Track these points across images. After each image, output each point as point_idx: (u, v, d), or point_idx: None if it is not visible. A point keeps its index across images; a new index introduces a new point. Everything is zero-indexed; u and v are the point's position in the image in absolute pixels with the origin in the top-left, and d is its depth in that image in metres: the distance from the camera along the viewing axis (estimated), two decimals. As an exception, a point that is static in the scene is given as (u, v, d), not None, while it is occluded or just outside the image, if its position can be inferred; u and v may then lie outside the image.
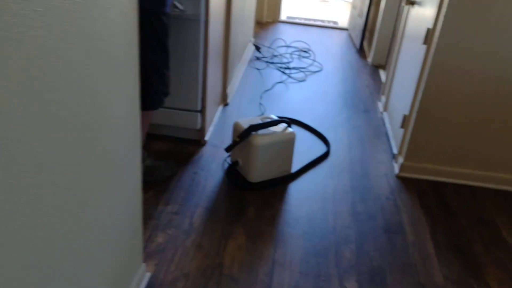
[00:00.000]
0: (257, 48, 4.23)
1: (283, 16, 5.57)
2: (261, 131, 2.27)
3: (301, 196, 2.30)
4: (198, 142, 2.65)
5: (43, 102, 0.83)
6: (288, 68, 3.97)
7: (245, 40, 3.84)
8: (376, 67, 4.24)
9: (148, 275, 1.72)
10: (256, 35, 4.73)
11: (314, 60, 4.20)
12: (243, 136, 2.23)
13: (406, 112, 2.51)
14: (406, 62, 2.79)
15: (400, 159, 2.54)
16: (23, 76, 0.76)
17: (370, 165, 2.63)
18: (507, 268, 1.96)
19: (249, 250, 1.91)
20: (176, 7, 2.22)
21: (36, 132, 0.83)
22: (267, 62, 4.05)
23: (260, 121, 2.31)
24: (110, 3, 1.06)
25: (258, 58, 4.11)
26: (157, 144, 2.60)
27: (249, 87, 3.53)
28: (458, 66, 2.25)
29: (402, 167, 2.53)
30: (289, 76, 3.80)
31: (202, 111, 2.55)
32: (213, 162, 2.50)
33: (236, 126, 2.33)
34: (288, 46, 4.50)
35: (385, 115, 3.19)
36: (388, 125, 3.03)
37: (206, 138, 2.68)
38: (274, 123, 2.32)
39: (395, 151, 2.68)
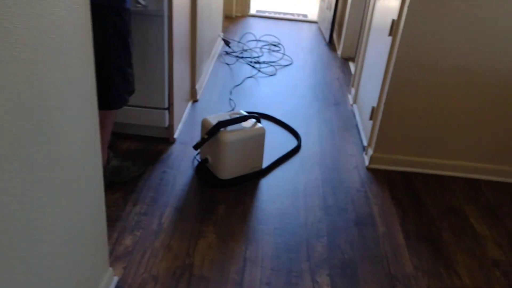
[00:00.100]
0: (227, 43, 4.19)
1: (252, 10, 5.53)
2: (230, 127, 2.24)
3: (272, 192, 2.28)
4: (167, 140, 2.60)
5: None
6: (258, 62, 3.94)
7: (213, 35, 3.79)
8: (345, 60, 4.26)
9: (115, 279, 1.68)
10: (225, 29, 4.68)
11: (284, 54, 4.18)
12: (211, 133, 2.20)
13: (374, 104, 2.52)
14: (373, 54, 2.80)
15: (370, 151, 2.55)
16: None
17: (341, 158, 2.63)
18: (476, 255, 1.98)
19: (220, 249, 1.88)
20: (138, 2, 2.17)
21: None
22: (237, 57, 4.01)
23: (228, 117, 2.28)
24: (58, -2, 1.01)
25: (227, 53, 4.07)
26: (125, 144, 2.54)
27: (219, 82, 3.49)
28: (423, 57, 2.26)
29: (372, 159, 2.54)
30: (259, 71, 3.77)
31: (170, 108, 2.50)
32: (182, 160, 2.45)
33: (204, 123, 2.29)
34: (258, 40, 4.47)
35: (355, 107, 3.20)
36: (358, 118, 3.04)
37: (175, 136, 2.63)
38: (243, 119, 2.29)
39: (365, 143, 2.69)
